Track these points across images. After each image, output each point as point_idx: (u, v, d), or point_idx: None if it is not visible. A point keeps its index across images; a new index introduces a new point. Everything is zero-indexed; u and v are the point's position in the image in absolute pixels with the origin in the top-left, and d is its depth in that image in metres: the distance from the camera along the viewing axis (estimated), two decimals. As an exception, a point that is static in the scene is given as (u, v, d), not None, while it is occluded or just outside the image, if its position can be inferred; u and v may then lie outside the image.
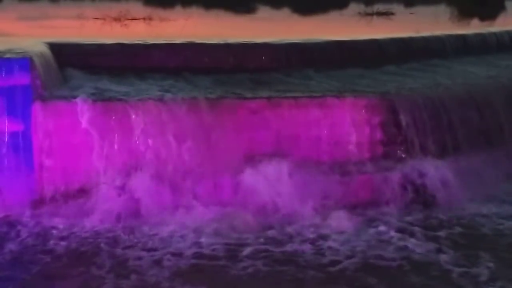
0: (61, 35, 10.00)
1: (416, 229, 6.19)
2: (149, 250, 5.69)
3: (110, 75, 7.43)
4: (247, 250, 5.72)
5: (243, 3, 21.61)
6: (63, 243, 5.78)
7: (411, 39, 9.62)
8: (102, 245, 5.78)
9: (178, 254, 5.61)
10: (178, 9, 21.51)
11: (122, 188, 6.34)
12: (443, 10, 20.32)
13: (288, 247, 5.82)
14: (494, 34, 10.83)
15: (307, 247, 5.81)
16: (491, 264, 5.48)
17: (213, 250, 5.72)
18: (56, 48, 7.43)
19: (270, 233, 6.05)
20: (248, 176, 6.45)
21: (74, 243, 5.80)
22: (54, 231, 5.97)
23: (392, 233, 6.08)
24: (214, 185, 6.51)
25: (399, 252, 5.72)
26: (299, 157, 6.69)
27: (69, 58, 7.52)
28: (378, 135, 7.08)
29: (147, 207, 6.27)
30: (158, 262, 5.47)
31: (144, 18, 15.44)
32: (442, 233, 6.14)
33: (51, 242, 5.79)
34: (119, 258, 5.55)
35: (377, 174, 6.81)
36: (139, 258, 5.53)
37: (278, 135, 6.81)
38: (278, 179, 6.46)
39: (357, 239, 5.95)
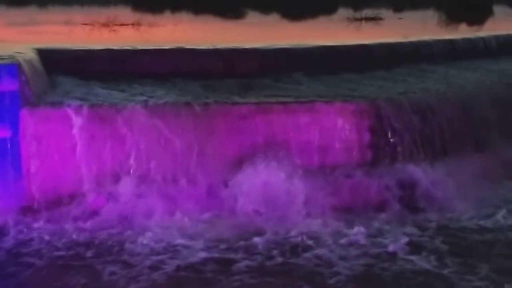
0: (49, 41, 9.96)
1: (408, 236, 6.11)
2: (131, 262, 5.54)
3: (99, 80, 7.41)
4: (233, 261, 5.57)
5: (232, 8, 21.64)
6: (44, 254, 5.68)
7: (399, 44, 9.64)
8: (83, 258, 5.64)
9: (161, 267, 5.45)
10: (167, 14, 21.50)
11: (110, 195, 6.32)
12: (431, 15, 20.39)
13: (278, 257, 5.69)
14: (482, 39, 10.88)
15: (298, 257, 5.69)
16: (484, 272, 5.41)
17: (200, 260, 5.58)
18: (45, 54, 7.40)
19: (260, 241, 5.92)
20: (237, 182, 6.44)
21: (55, 255, 5.68)
22: (38, 242, 5.88)
23: (385, 241, 6.00)
24: (203, 191, 6.49)
25: (392, 261, 5.63)
26: (288, 162, 6.68)
27: (58, 64, 7.50)
28: (367, 140, 7.08)
29: (136, 215, 6.23)
30: (140, 275, 5.32)
31: (133, 24, 15.43)
32: (433, 240, 6.07)
33: (33, 253, 5.70)
34: (98, 272, 5.39)
35: (366, 179, 6.82)
36: (115, 273, 5.36)
37: (267, 140, 6.81)
38: (267, 185, 6.45)
39: (349, 248, 5.85)
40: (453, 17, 20.08)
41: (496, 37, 11.07)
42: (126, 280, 5.27)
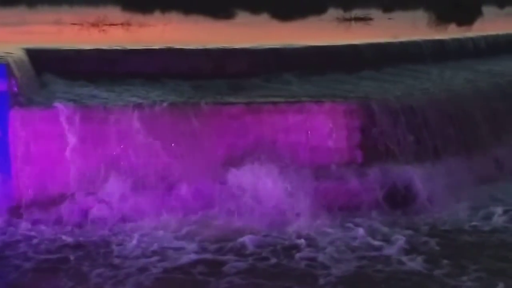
0: (38, 41, 9.93)
1: (401, 237, 6.05)
2: (119, 264, 5.48)
3: (88, 81, 7.39)
4: (224, 263, 5.50)
5: (222, 9, 21.62)
6: (30, 257, 5.61)
7: (389, 44, 9.66)
8: (70, 260, 5.57)
9: (149, 269, 5.39)
10: (157, 14, 21.46)
11: (99, 197, 6.28)
12: (421, 16, 20.46)
13: (270, 259, 5.63)
14: (471, 39, 10.92)
15: (290, 258, 5.64)
16: (476, 274, 5.38)
17: (190, 262, 5.52)
18: (34, 54, 7.37)
19: (251, 242, 5.86)
20: (227, 182, 6.42)
21: (42, 257, 5.62)
22: (25, 243, 5.83)
23: (378, 242, 5.95)
24: (193, 192, 6.46)
25: (385, 263, 5.58)
26: (279, 162, 6.66)
27: (47, 64, 7.47)
28: (357, 140, 7.07)
29: (125, 217, 6.21)
30: (127, 277, 5.26)
31: (122, 24, 15.40)
32: (427, 242, 6.03)
33: (20, 255, 5.64)
34: (85, 275, 5.32)
35: (356, 180, 6.81)
36: (102, 276, 5.29)
37: (258, 140, 6.79)
38: (258, 185, 6.43)
39: (342, 249, 5.81)
40: (442, 18, 20.14)
41: (485, 38, 11.12)
42: (113, 282, 5.22)
